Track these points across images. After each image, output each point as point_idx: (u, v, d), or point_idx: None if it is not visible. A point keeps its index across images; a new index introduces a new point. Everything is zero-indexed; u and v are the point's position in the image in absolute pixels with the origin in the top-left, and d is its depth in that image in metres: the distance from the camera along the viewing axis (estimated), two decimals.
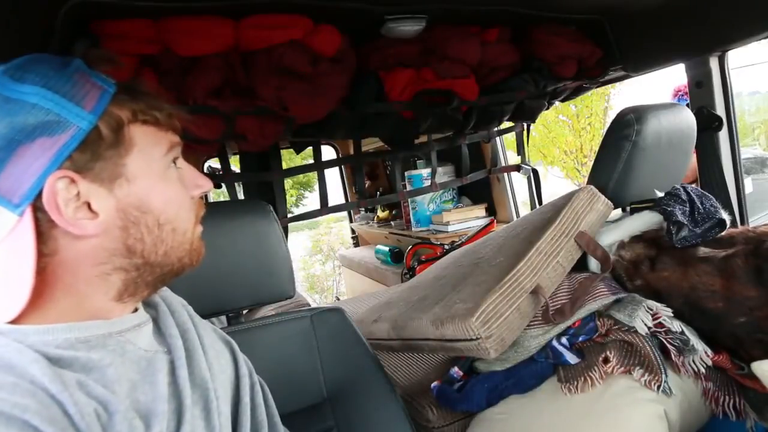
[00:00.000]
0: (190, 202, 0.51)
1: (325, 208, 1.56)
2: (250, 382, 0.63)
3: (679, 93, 1.66)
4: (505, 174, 2.23)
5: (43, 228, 0.42)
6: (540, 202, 1.93)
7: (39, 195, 0.41)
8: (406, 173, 2.44)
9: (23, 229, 0.41)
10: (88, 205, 0.43)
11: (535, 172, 1.93)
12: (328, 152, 3.39)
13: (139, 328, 0.50)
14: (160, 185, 0.47)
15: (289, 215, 1.61)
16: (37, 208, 0.41)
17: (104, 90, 0.44)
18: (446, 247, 2.14)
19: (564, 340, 0.89)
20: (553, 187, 5.87)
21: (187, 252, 0.51)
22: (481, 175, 1.97)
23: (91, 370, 0.42)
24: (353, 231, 3.68)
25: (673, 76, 1.55)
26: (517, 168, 2.00)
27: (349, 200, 3.28)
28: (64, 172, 0.41)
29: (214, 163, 2.70)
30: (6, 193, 0.40)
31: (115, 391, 0.43)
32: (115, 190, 0.44)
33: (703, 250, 0.88)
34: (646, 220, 0.99)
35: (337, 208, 1.76)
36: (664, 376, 0.78)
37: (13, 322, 0.42)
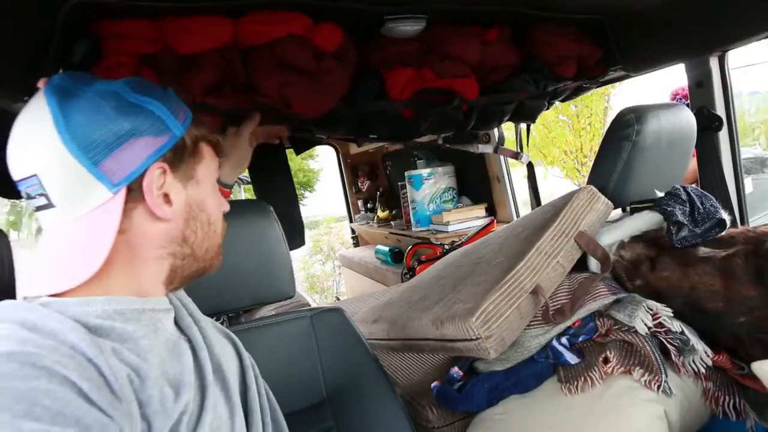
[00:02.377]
0: (222, 215, 0.62)
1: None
2: (254, 373, 0.67)
3: (677, 96, 1.66)
4: (505, 174, 2.23)
5: (126, 207, 0.50)
6: (537, 197, 1.93)
7: (135, 180, 0.50)
8: (406, 173, 2.44)
9: (114, 205, 0.49)
10: (166, 196, 0.53)
11: (530, 165, 1.93)
12: (328, 152, 3.40)
13: (167, 313, 0.56)
14: (212, 192, 0.59)
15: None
16: (130, 189, 0.50)
17: (187, 113, 0.56)
18: (446, 247, 2.14)
19: (564, 340, 0.89)
20: (553, 187, 5.87)
21: (216, 254, 0.61)
22: (489, 148, 1.94)
23: (126, 340, 0.48)
24: (353, 231, 3.68)
25: (673, 76, 1.54)
26: (517, 155, 1.99)
27: (350, 200, 3.28)
28: (161, 164, 0.51)
29: None
30: (109, 174, 0.48)
31: (148, 359, 0.48)
32: (188, 188, 0.55)
33: (703, 250, 0.88)
34: (646, 220, 0.99)
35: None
36: (664, 376, 0.78)
37: (58, 294, 0.47)
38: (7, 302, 0.46)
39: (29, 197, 0.48)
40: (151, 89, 0.53)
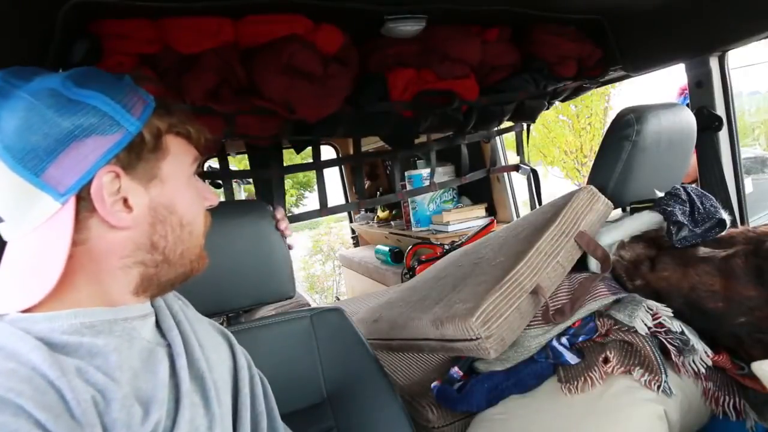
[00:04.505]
0: (204, 212, 0.57)
1: (324, 209, 1.56)
2: (249, 374, 0.64)
3: (685, 92, 1.65)
4: (505, 174, 2.23)
5: (80, 217, 0.45)
6: (540, 202, 1.93)
7: (84, 186, 0.45)
8: (406, 173, 2.44)
9: (64, 216, 0.44)
10: (125, 201, 0.47)
11: (534, 172, 1.93)
12: (328, 152, 3.39)
13: (144, 319, 0.52)
14: (184, 190, 0.53)
15: (288, 215, 1.61)
16: (80, 198, 0.45)
17: (147, 103, 0.50)
18: (446, 247, 2.14)
19: (564, 340, 0.89)
20: (553, 187, 5.86)
21: (197, 256, 0.56)
22: (480, 174, 1.98)
23: (95, 356, 0.44)
24: (353, 231, 3.68)
25: (673, 76, 1.54)
26: (516, 168, 2.00)
27: (349, 200, 3.28)
28: (111, 167, 0.46)
29: (214, 163, 2.70)
30: (53, 183, 0.43)
31: (116, 378, 0.44)
32: (150, 190, 0.49)
33: (703, 250, 0.88)
34: (646, 220, 0.99)
35: (337, 209, 1.76)
36: (664, 376, 0.78)
37: (28, 309, 0.44)
38: None
39: None
40: (96, 80, 0.47)
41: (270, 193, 1.49)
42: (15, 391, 0.37)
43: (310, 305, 2.05)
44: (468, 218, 2.32)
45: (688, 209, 0.93)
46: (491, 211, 2.40)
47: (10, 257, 0.46)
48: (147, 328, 0.52)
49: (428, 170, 2.43)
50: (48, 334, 0.43)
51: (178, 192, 0.52)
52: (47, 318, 0.44)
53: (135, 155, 0.48)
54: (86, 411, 0.40)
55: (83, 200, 0.45)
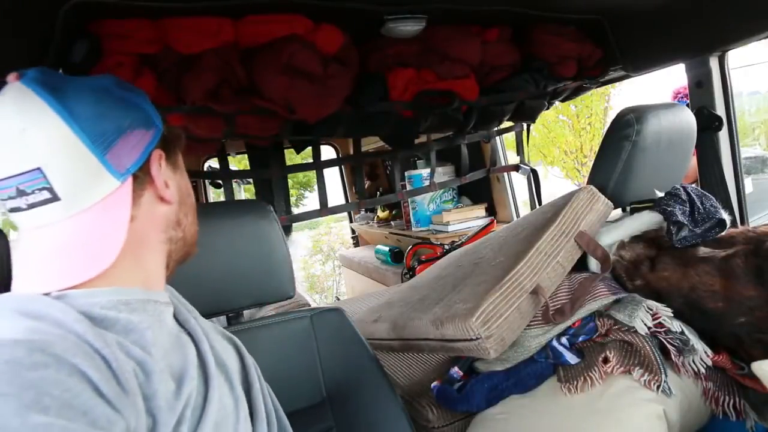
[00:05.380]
0: None
1: (324, 209, 1.56)
2: (257, 373, 0.66)
3: (679, 95, 1.66)
4: (505, 174, 2.23)
5: (135, 195, 0.51)
6: (540, 202, 1.93)
7: (139, 167, 0.51)
8: (406, 173, 2.44)
9: (123, 193, 0.50)
10: (165, 182, 0.55)
11: (534, 172, 1.93)
12: (328, 152, 3.39)
13: (167, 306, 0.56)
14: (188, 180, 0.62)
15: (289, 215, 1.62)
16: (135, 177, 0.51)
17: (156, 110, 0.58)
18: (446, 247, 2.14)
19: (564, 340, 0.89)
20: (553, 187, 5.86)
21: (195, 240, 0.63)
22: (480, 174, 1.98)
23: (130, 332, 0.47)
24: (353, 231, 3.68)
25: (673, 76, 1.54)
26: (516, 168, 2.00)
27: (349, 200, 3.28)
28: (158, 150, 0.54)
29: (214, 163, 2.71)
30: (114, 163, 0.49)
31: (152, 353, 0.47)
32: (176, 175, 0.58)
33: (703, 250, 0.88)
34: (646, 220, 0.99)
35: (337, 209, 1.76)
36: (663, 376, 0.78)
37: (69, 288, 0.47)
38: (9, 294, 0.46)
39: (23, 194, 0.46)
40: (132, 87, 0.55)
41: (270, 193, 1.49)
42: (70, 351, 0.39)
43: (310, 305, 2.06)
44: (468, 218, 2.32)
45: (688, 209, 0.93)
46: (491, 211, 2.40)
47: (52, 239, 0.47)
48: (170, 315, 0.56)
49: (428, 170, 2.43)
50: (88, 308, 0.45)
51: (187, 180, 0.61)
52: (86, 294, 0.46)
53: (165, 147, 0.56)
54: (129, 381, 0.42)
55: (138, 179, 0.52)
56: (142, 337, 0.47)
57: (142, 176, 0.52)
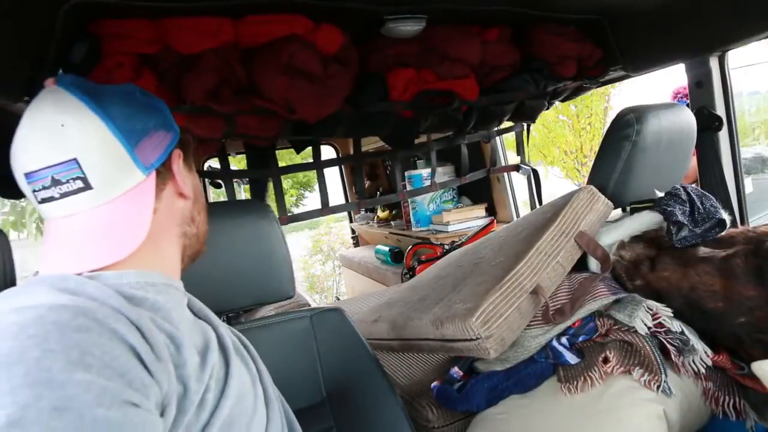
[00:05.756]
0: None
1: (326, 208, 1.56)
2: (267, 374, 0.68)
3: (679, 95, 1.66)
4: (505, 174, 2.23)
5: (158, 189, 0.56)
6: (540, 202, 1.93)
7: (162, 163, 0.56)
8: (406, 173, 2.44)
9: (148, 185, 0.55)
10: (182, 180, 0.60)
11: (535, 172, 1.93)
12: (328, 152, 3.39)
13: (184, 295, 0.60)
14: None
15: (288, 215, 1.62)
16: (159, 172, 0.56)
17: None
18: (446, 247, 2.14)
19: (564, 340, 0.89)
20: (553, 187, 5.86)
21: (205, 239, 0.67)
22: (481, 174, 1.98)
23: (158, 310, 0.51)
24: (353, 231, 3.68)
25: (673, 76, 1.54)
26: (516, 168, 2.00)
27: (349, 200, 3.28)
28: (178, 150, 0.60)
29: (215, 163, 2.70)
30: (141, 158, 0.54)
31: (179, 328, 0.51)
32: (191, 174, 0.64)
33: (703, 250, 0.88)
34: (646, 220, 0.99)
35: (337, 209, 1.76)
36: (663, 376, 0.78)
37: (97, 270, 0.50)
38: (42, 275, 0.49)
39: (57, 183, 0.50)
40: (152, 95, 0.60)
41: (263, 192, 1.49)
42: (111, 318, 0.42)
43: (310, 305, 2.06)
44: (468, 218, 2.32)
45: (688, 209, 0.93)
46: (491, 211, 2.40)
47: (80, 225, 0.51)
48: (186, 303, 0.60)
49: (428, 170, 2.43)
50: (119, 287, 0.49)
51: (199, 182, 0.66)
52: (116, 276, 0.51)
53: (185, 148, 0.62)
54: (162, 350, 0.45)
55: (161, 174, 0.57)
56: (169, 315, 0.51)
57: (164, 172, 0.57)
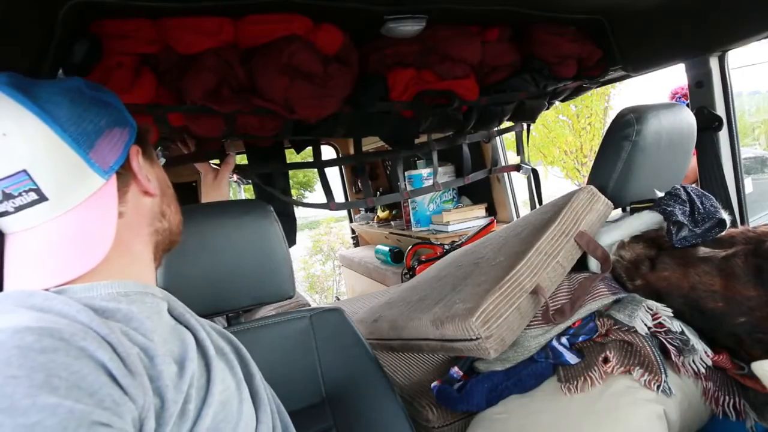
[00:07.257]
0: None
1: (333, 203, 1.55)
2: (260, 375, 0.66)
3: (677, 95, 1.66)
4: (505, 174, 2.22)
5: (120, 192, 0.53)
6: (540, 202, 1.93)
7: (121, 165, 0.53)
8: (406, 173, 2.44)
9: (109, 189, 0.51)
10: (145, 176, 0.56)
11: (535, 171, 1.93)
12: (328, 152, 3.39)
13: (162, 300, 0.57)
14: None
15: (298, 201, 1.63)
16: (119, 174, 0.53)
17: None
18: (446, 247, 2.14)
19: (564, 340, 0.89)
20: (553, 187, 5.87)
21: (180, 230, 0.64)
22: (482, 174, 1.97)
23: (131, 320, 0.48)
24: (353, 231, 3.68)
25: (674, 76, 1.54)
26: (517, 168, 2.00)
27: (349, 200, 3.28)
28: (135, 146, 0.56)
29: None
30: (98, 161, 0.50)
31: (153, 339, 0.48)
32: (154, 167, 0.60)
33: (703, 250, 0.88)
34: (646, 220, 0.99)
35: (344, 205, 1.76)
36: (663, 376, 0.78)
37: (65, 284, 0.48)
38: (9, 291, 0.46)
39: (9, 197, 0.46)
40: (101, 87, 0.56)
41: (267, 192, 1.49)
42: (78, 335, 0.40)
43: (310, 305, 2.06)
44: (468, 218, 2.32)
45: (688, 209, 0.93)
46: (491, 211, 2.40)
47: (41, 239, 0.48)
48: (165, 309, 0.57)
49: (428, 170, 2.44)
50: (89, 301, 0.46)
51: (164, 172, 0.62)
52: (85, 288, 0.48)
53: (143, 141, 0.58)
54: (135, 363, 0.43)
55: (122, 175, 0.53)
56: (143, 325, 0.48)
57: (124, 173, 0.54)
